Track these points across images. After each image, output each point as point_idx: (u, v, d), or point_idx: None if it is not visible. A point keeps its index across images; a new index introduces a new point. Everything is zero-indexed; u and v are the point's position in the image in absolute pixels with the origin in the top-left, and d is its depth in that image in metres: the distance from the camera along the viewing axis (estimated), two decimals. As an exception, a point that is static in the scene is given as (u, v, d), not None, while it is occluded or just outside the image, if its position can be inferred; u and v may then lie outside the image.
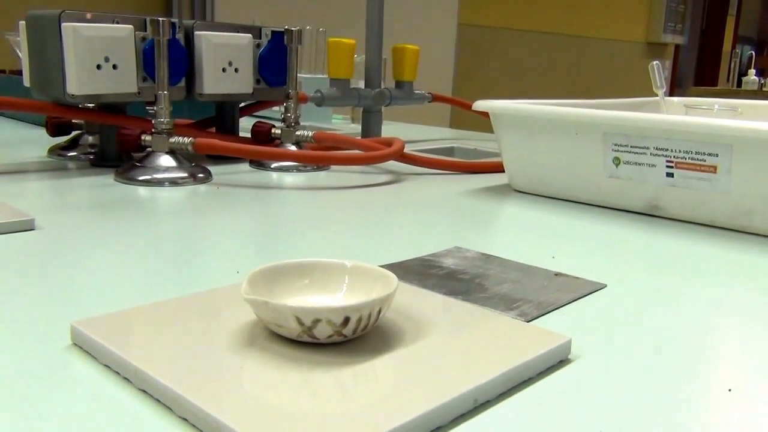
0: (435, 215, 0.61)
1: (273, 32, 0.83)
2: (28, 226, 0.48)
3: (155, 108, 0.69)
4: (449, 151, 1.07)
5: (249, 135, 0.85)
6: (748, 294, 0.41)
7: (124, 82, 0.70)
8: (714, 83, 4.70)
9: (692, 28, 4.59)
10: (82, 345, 0.30)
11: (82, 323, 0.30)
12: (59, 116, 0.79)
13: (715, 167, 0.55)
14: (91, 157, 0.79)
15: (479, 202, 0.65)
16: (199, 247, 0.48)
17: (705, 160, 0.56)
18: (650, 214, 0.61)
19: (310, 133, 0.81)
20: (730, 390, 0.29)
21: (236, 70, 0.79)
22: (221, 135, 0.85)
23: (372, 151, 0.75)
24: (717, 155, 0.55)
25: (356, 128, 1.23)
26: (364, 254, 0.47)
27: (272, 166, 0.79)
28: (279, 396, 0.25)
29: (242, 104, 0.90)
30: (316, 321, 0.28)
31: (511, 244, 0.51)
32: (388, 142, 0.79)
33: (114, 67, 0.69)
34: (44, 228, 0.49)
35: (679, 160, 0.57)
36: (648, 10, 4.17)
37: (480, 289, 0.39)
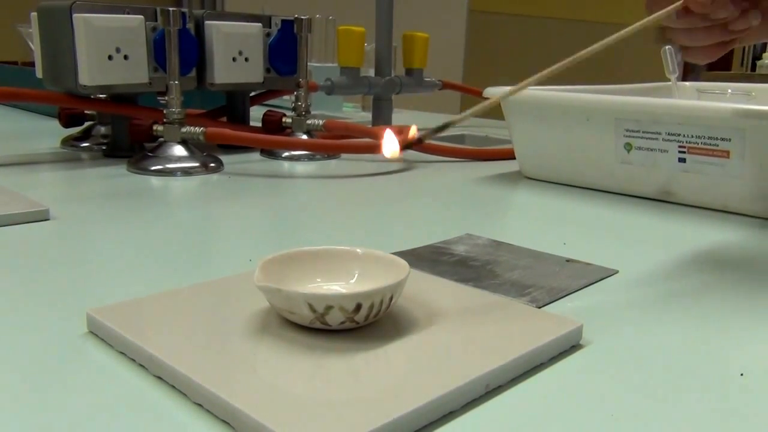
0: (446, 202, 0.61)
1: (283, 21, 0.82)
2: (42, 217, 0.49)
3: (166, 98, 0.69)
4: (460, 138, 1.07)
5: (260, 124, 0.86)
6: (760, 279, 0.41)
7: (135, 72, 0.70)
8: (727, 68, 4.64)
9: (705, 12, 4.53)
10: (98, 332, 0.30)
11: (98, 311, 0.30)
12: (72, 107, 0.80)
13: (728, 152, 0.55)
14: (104, 147, 0.80)
15: (490, 189, 0.65)
16: (211, 236, 0.48)
17: (718, 145, 0.55)
18: (662, 200, 0.61)
19: (321, 122, 0.81)
20: (742, 374, 0.29)
21: (246, 59, 0.79)
22: (232, 124, 0.85)
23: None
24: (730, 140, 0.54)
25: (366, 116, 1.23)
26: (376, 241, 0.47)
27: (283, 155, 0.79)
28: (292, 382, 0.25)
29: (253, 93, 0.90)
30: (329, 308, 0.28)
31: (523, 231, 0.51)
32: (399, 130, 0.79)
33: (125, 57, 0.69)
34: (59, 218, 0.50)
35: (692, 145, 0.57)
36: (660, -6, 4.12)
37: (491, 276, 0.39)
